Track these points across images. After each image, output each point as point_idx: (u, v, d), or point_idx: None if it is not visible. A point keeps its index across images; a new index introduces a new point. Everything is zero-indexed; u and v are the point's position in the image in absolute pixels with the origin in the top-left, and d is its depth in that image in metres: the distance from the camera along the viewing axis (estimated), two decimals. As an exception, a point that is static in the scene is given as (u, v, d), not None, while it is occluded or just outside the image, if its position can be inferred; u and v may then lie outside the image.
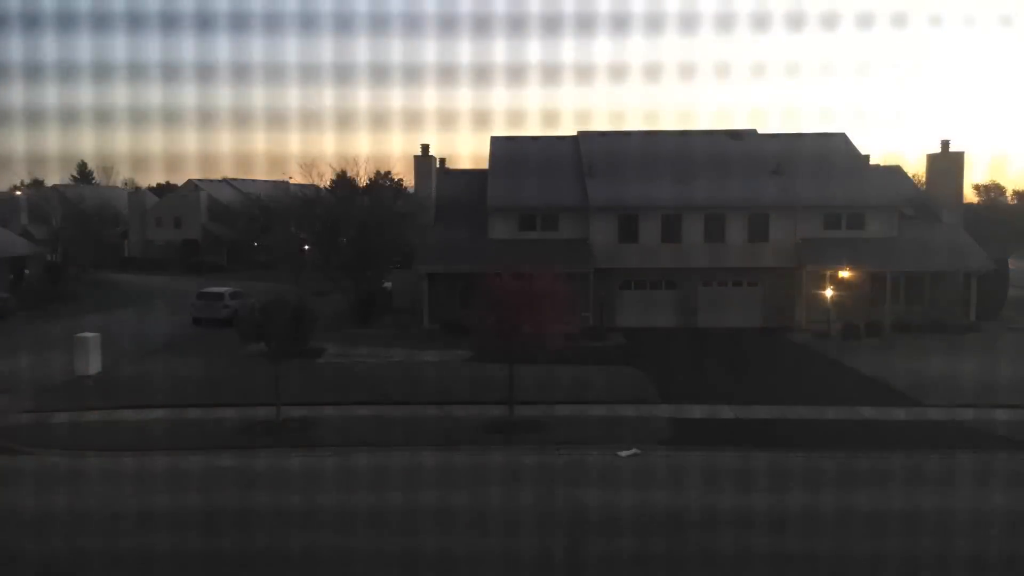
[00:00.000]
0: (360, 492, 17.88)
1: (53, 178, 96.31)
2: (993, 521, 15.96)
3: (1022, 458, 20.22)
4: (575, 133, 44.55)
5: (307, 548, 14.72)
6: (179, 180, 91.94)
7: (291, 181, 62.99)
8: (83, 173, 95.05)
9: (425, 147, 41.97)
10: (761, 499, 17.10)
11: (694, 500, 17.00)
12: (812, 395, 25.13)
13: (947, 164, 40.53)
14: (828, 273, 37.01)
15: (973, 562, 14.30)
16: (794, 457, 19.91)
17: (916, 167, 55.17)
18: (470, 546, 14.86)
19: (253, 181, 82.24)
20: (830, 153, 41.82)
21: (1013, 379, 27.02)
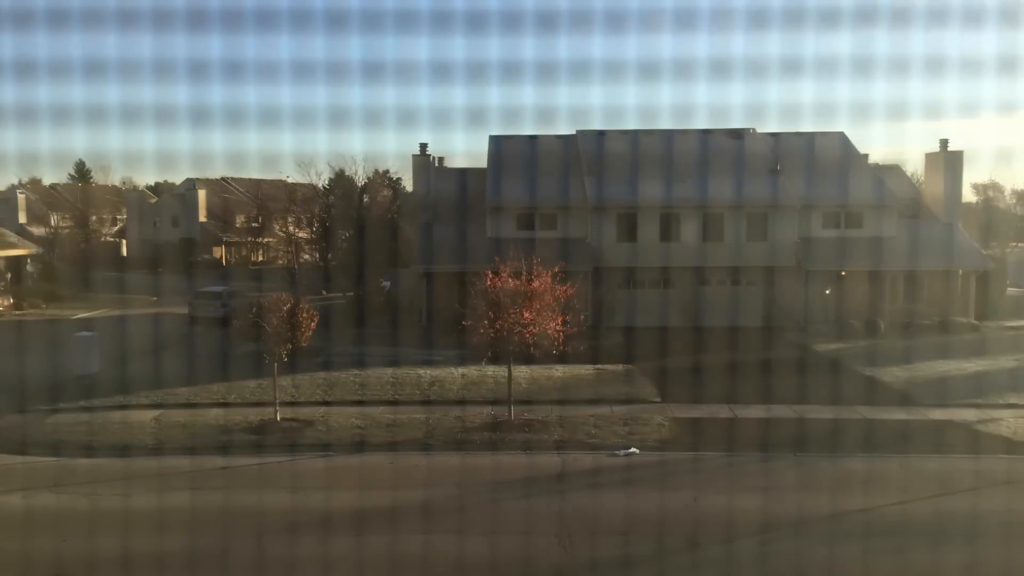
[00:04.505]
0: (357, 492, 17.84)
1: (51, 177, 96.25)
2: (991, 522, 15.94)
3: (1022, 459, 20.18)
4: (574, 132, 44.53)
5: (305, 548, 14.68)
6: (177, 179, 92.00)
7: (288, 180, 63.03)
8: (81, 172, 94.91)
9: (423, 146, 41.98)
10: (759, 499, 17.08)
11: (692, 500, 16.96)
12: (810, 395, 25.09)
13: (945, 163, 40.55)
14: (826, 272, 37.05)
15: (972, 564, 14.29)
16: (792, 457, 19.89)
17: (915, 166, 55.12)
18: (465, 546, 14.82)
19: (251, 180, 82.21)
20: (829, 152, 41.88)
21: (1012, 378, 27.08)
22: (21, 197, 72.80)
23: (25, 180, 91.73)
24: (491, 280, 21.95)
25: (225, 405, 24.24)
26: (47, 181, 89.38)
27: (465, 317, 22.91)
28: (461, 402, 24.45)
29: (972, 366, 29.12)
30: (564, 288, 22.26)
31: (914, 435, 21.54)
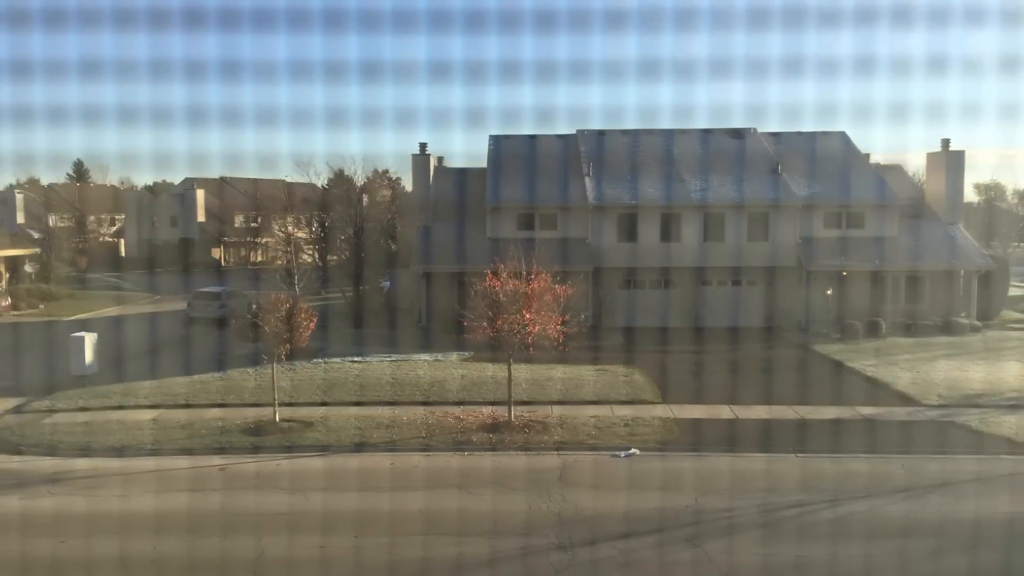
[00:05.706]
0: (356, 493, 17.73)
1: (49, 177, 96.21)
2: (993, 523, 15.82)
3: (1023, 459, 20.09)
4: (574, 131, 44.41)
5: (301, 550, 14.56)
6: (175, 179, 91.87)
7: (287, 180, 62.93)
8: (79, 172, 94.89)
9: (423, 145, 41.84)
10: (759, 501, 16.95)
11: (692, 502, 16.84)
12: (812, 395, 24.98)
13: (947, 163, 40.42)
14: (828, 272, 36.94)
15: (972, 567, 14.17)
16: (793, 458, 19.77)
17: (917, 166, 55.06)
18: (463, 548, 14.71)
19: (250, 180, 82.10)
20: (830, 152, 41.79)
21: (1013, 378, 26.98)
22: (19, 197, 72.65)
23: (23, 180, 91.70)
24: (491, 280, 21.83)
25: (223, 405, 24.11)
26: (45, 181, 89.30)
27: (464, 317, 22.78)
28: (461, 403, 24.32)
29: (974, 366, 29.00)
30: (564, 288, 22.14)
31: (915, 435, 21.42)
